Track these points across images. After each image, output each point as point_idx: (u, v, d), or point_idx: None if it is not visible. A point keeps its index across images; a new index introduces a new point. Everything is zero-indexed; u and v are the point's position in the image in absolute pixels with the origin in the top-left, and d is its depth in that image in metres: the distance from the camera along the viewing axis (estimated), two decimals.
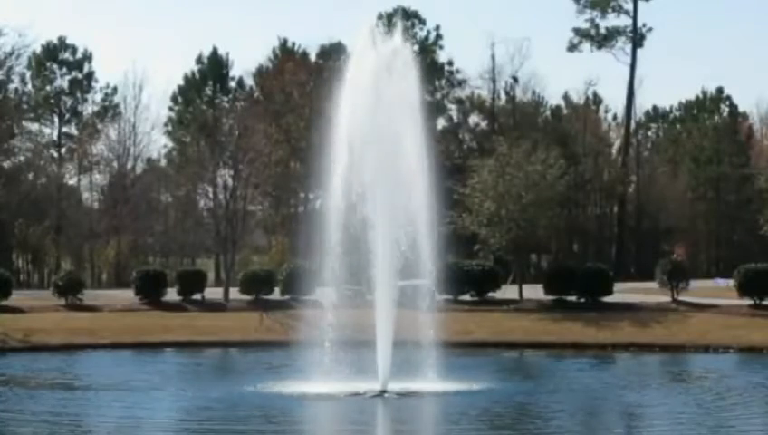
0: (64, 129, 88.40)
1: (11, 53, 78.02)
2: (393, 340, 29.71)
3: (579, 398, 30.55)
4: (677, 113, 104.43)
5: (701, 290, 52.58)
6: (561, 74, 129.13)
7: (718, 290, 54.02)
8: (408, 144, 30.09)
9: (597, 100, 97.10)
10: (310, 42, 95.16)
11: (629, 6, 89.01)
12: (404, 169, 29.83)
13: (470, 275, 51.39)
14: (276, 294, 52.03)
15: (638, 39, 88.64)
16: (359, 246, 29.97)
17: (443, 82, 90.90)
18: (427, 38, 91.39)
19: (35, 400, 29.57)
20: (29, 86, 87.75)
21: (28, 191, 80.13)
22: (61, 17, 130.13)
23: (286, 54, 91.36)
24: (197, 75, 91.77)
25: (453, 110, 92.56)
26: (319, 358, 30.04)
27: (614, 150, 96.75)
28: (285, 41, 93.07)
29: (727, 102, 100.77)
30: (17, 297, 51.51)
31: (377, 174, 29.73)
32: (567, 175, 58.39)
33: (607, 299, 50.61)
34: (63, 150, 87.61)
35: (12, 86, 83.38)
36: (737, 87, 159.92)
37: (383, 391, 28.96)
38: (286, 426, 26.33)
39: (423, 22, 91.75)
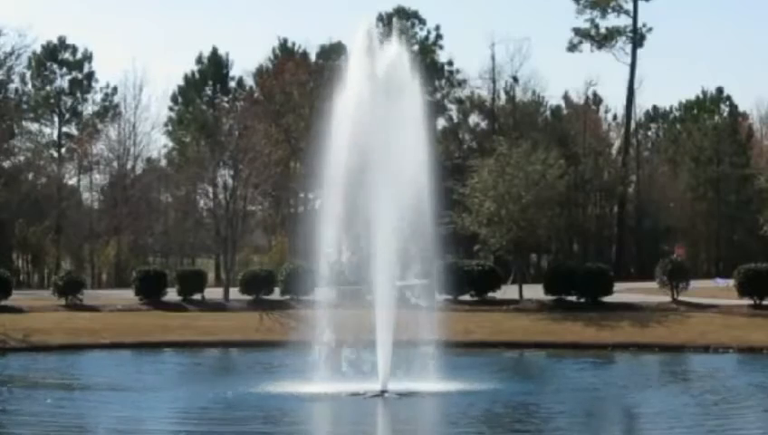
0: (64, 129, 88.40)
1: (11, 53, 78.05)
2: (393, 340, 29.71)
3: (579, 398, 30.54)
4: (677, 113, 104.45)
5: (701, 290, 52.56)
6: (561, 74, 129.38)
7: (718, 290, 54.01)
8: (409, 144, 30.11)
9: (597, 100, 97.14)
10: (310, 42, 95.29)
11: (629, 6, 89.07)
12: (404, 169, 29.82)
13: (470, 275, 51.34)
14: (276, 294, 52.03)
15: (638, 39, 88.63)
16: (358, 245, 29.96)
17: (443, 82, 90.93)
18: (427, 38, 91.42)
19: (35, 400, 29.54)
20: (29, 86, 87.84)
21: (28, 191, 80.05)
22: (61, 17, 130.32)
23: (286, 54, 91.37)
24: (197, 75, 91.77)
25: (453, 110, 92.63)
26: (319, 358, 30.04)
27: (614, 150, 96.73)
28: (285, 41, 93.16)
29: (727, 102, 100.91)
30: (17, 297, 51.50)
31: (377, 174, 29.74)
32: (567, 175, 58.34)
33: (607, 299, 50.57)
34: (63, 150, 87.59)
35: (12, 86, 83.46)
36: (737, 87, 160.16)
37: (383, 391, 28.96)
38: (286, 426, 26.32)
39: (423, 22, 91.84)
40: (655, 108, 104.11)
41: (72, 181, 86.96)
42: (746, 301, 48.77)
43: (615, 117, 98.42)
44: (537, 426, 26.21)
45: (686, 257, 65.44)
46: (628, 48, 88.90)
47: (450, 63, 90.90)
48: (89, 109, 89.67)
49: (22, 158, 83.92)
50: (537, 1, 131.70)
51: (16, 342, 43.75)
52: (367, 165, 29.69)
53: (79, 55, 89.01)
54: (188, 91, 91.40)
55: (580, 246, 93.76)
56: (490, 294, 51.84)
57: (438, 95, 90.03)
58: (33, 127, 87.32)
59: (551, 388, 32.24)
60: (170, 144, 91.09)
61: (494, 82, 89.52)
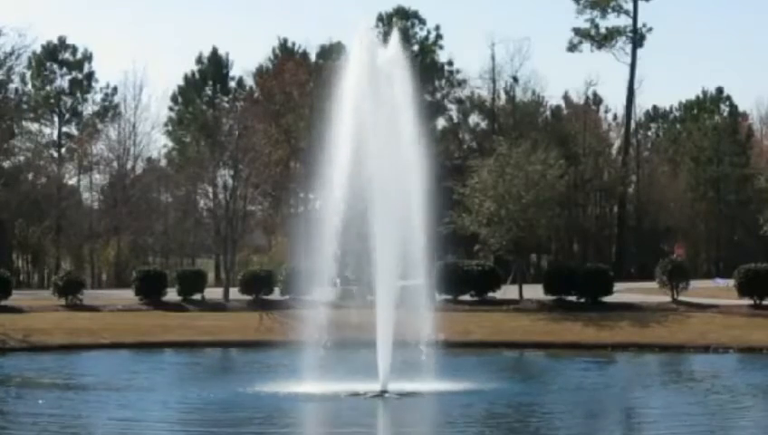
0: (64, 129, 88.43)
1: (11, 53, 77.91)
2: (393, 340, 29.69)
3: (579, 398, 30.53)
4: (677, 113, 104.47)
5: (701, 290, 52.57)
6: (561, 74, 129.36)
7: (718, 290, 54.01)
8: (407, 144, 30.10)
9: (597, 100, 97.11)
10: (310, 42, 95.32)
11: (629, 6, 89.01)
12: (403, 169, 29.80)
13: (470, 275, 51.32)
14: (276, 295, 52.04)
15: (638, 39, 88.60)
16: (358, 245, 29.95)
17: (443, 82, 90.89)
18: (427, 38, 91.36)
19: (34, 400, 29.53)
20: (29, 86, 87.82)
21: (28, 191, 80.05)
22: (61, 17, 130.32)
23: (286, 54, 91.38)
24: (197, 75, 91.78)
25: (453, 110, 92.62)
26: (318, 358, 30.01)
27: (614, 150, 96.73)
28: (285, 41, 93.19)
29: (727, 102, 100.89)
30: (17, 297, 51.49)
31: (376, 173, 29.72)
32: (567, 175, 58.29)
33: (607, 299, 50.56)
34: (63, 150, 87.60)
35: (12, 86, 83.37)
36: (737, 87, 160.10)
37: (383, 391, 28.94)
38: (286, 426, 26.31)
39: (423, 22, 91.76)
40: (655, 108, 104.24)
41: (72, 181, 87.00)
42: (746, 301, 48.77)
43: (615, 117, 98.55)
44: (537, 426, 26.19)
45: (686, 257, 65.43)
46: (628, 48, 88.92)
47: (450, 63, 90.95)
48: (89, 109, 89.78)
49: (22, 158, 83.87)
50: (537, 1, 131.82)
51: (16, 342, 43.74)
52: (366, 166, 29.68)
53: (79, 55, 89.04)
54: (188, 91, 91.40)
55: (580, 246, 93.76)
56: (490, 295, 51.82)
57: (438, 95, 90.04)
58: (33, 127, 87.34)
59: (551, 388, 32.23)
60: (170, 144, 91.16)
61: (494, 82, 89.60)
